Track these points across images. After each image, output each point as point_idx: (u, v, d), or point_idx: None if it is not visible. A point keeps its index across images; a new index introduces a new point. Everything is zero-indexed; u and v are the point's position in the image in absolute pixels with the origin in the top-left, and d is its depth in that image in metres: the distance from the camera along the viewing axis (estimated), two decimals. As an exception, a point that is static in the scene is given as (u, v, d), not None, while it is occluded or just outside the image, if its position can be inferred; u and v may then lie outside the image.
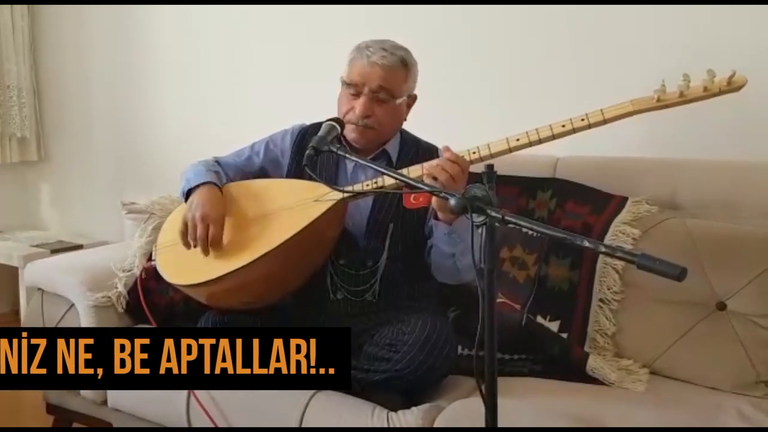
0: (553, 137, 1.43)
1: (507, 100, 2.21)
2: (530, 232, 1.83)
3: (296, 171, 1.77)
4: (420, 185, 1.28)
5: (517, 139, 1.45)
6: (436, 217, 1.57)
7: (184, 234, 1.63)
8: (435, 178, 1.44)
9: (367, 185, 1.56)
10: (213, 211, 1.62)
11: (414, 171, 1.54)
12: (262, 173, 1.84)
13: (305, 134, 1.80)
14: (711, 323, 1.62)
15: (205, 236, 1.60)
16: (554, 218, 1.85)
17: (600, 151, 1.95)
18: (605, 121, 1.39)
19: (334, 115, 1.66)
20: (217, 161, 1.82)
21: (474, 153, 1.49)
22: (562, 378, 1.63)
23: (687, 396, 1.53)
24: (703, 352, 1.61)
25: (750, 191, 1.71)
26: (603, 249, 0.97)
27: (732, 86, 1.31)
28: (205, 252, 1.61)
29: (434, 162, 1.49)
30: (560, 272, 1.78)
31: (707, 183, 1.77)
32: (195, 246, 1.62)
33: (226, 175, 1.78)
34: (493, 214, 1.02)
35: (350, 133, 1.67)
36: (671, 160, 1.86)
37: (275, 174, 1.83)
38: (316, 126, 1.76)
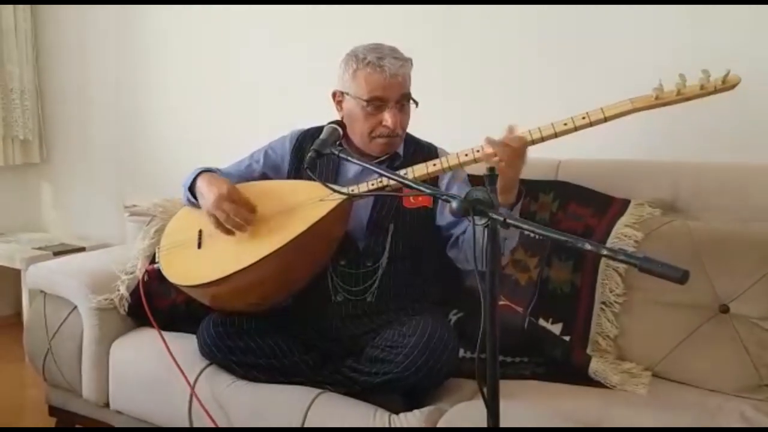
0: (555, 135, 1.44)
1: (508, 100, 2.21)
2: (532, 235, 1.83)
3: (296, 175, 1.78)
4: (421, 188, 1.28)
5: None
6: None
7: (220, 225, 1.63)
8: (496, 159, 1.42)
9: (372, 185, 1.57)
10: (221, 188, 1.63)
11: (418, 170, 1.55)
12: (263, 179, 1.84)
13: (304, 138, 1.81)
14: (714, 326, 1.62)
15: (235, 209, 1.60)
16: (556, 220, 1.84)
17: (602, 153, 1.95)
18: (606, 119, 1.41)
19: (334, 119, 1.66)
20: (218, 170, 1.83)
21: (478, 152, 1.49)
22: (564, 381, 1.63)
23: (689, 399, 1.53)
24: (705, 355, 1.61)
25: (752, 193, 1.71)
26: (605, 251, 0.97)
27: (727, 85, 1.33)
28: (249, 220, 1.61)
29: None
30: (562, 275, 1.78)
31: (710, 185, 1.76)
32: (237, 224, 1.60)
33: None
34: (495, 216, 1.02)
35: (377, 146, 1.68)
36: (673, 162, 1.86)
37: (276, 179, 1.83)
38: (315, 130, 1.77)
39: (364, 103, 1.64)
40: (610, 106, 1.40)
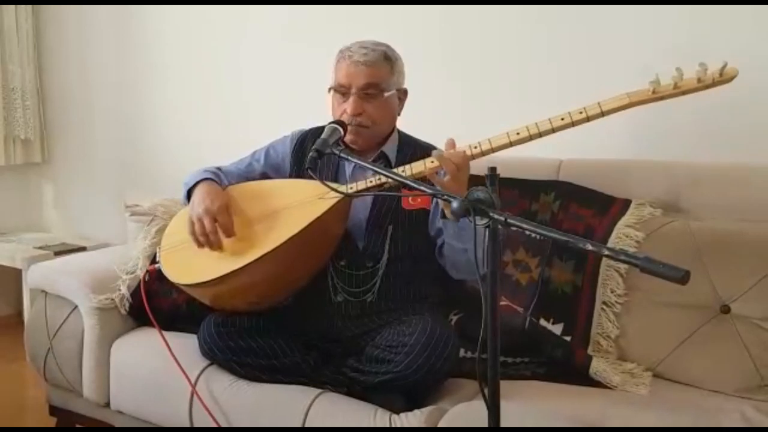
0: (553, 130, 1.44)
1: (507, 97, 2.21)
2: (533, 235, 1.83)
3: (297, 175, 1.79)
4: (421, 187, 1.28)
5: (518, 133, 1.47)
6: (444, 216, 1.57)
7: (194, 234, 1.64)
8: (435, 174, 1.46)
9: (371, 182, 1.57)
10: (214, 204, 1.64)
11: (416, 167, 1.55)
12: (264, 179, 1.84)
13: (305, 138, 1.82)
14: (715, 326, 1.61)
15: (214, 228, 1.61)
16: (557, 221, 1.84)
17: (604, 153, 1.95)
18: (603, 114, 1.41)
19: (331, 119, 1.67)
20: (219, 168, 1.83)
21: (475, 148, 1.50)
22: (565, 381, 1.63)
23: (690, 399, 1.53)
24: (706, 356, 1.61)
25: (753, 194, 1.71)
26: (606, 252, 0.97)
27: (724, 77, 1.32)
28: (219, 244, 1.62)
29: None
30: (563, 275, 1.78)
31: (710, 185, 1.76)
32: (208, 241, 1.61)
33: (227, 182, 1.79)
34: (496, 216, 1.02)
35: (347, 135, 1.68)
36: (675, 162, 1.85)
37: (277, 179, 1.83)
38: (316, 130, 1.78)
39: (333, 92, 1.69)
40: (607, 100, 1.41)
